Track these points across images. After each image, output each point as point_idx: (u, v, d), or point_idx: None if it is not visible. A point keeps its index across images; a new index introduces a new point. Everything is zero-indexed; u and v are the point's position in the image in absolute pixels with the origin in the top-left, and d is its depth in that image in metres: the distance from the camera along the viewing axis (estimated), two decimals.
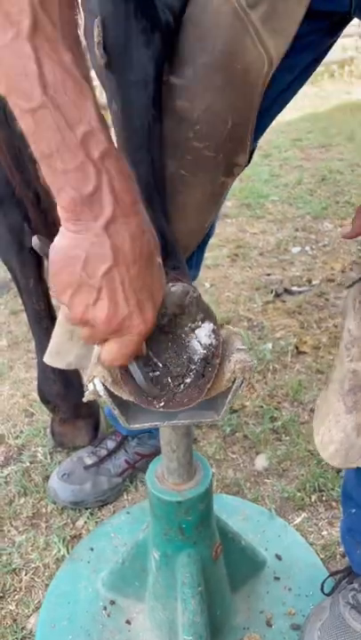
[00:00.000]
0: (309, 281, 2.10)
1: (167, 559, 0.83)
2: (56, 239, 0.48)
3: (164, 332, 0.67)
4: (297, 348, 1.69)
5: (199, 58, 0.70)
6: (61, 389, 1.20)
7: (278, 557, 1.06)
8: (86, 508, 1.19)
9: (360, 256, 2.28)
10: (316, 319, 1.84)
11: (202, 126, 0.74)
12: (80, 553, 1.09)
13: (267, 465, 1.27)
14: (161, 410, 0.62)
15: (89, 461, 1.24)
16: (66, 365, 1.00)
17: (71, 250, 0.47)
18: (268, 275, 2.17)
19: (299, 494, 1.19)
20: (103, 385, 0.63)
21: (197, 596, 0.81)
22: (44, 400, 1.25)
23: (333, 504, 1.17)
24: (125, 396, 0.63)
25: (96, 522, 1.16)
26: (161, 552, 0.83)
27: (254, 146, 0.84)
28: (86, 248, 0.47)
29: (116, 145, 0.64)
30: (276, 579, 1.02)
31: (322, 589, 0.95)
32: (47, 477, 1.26)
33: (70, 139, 0.42)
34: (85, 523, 1.16)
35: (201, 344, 0.66)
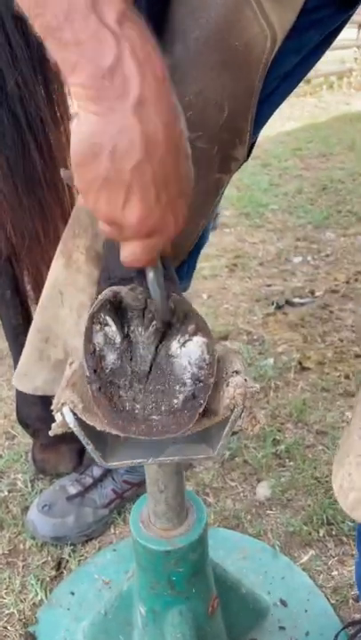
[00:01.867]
0: (312, 292, 1.99)
1: (155, 616, 0.71)
2: (73, 124, 0.40)
3: (148, 346, 0.56)
4: (300, 363, 1.58)
5: (191, 32, 0.60)
6: (42, 412, 1.09)
7: (283, 603, 0.93)
8: (68, 544, 1.06)
9: None
10: (321, 332, 1.73)
11: (194, 113, 0.63)
12: (59, 598, 0.97)
13: (269, 494, 1.15)
14: (142, 438, 0.51)
15: (73, 491, 1.12)
16: (32, 390, 0.89)
17: (95, 136, 0.38)
18: (269, 286, 2.06)
19: (305, 528, 1.07)
20: (73, 414, 0.52)
21: None
22: (24, 424, 1.14)
23: (344, 539, 1.05)
24: (99, 426, 0.52)
25: (79, 560, 1.04)
26: (148, 607, 0.71)
27: (254, 138, 0.74)
28: (113, 135, 0.38)
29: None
30: (282, 628, 0.90)
31: None
32: (26, 508, 1.13)
33: (78, 2, 0.36)
34: (67, 561, 1.04)
35: (192, 360, 0.55)
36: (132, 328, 0.57)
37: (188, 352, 0.55)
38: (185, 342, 0.56)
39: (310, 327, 1.77)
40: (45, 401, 1.08)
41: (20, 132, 0.92)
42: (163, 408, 0.53)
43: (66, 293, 0.80)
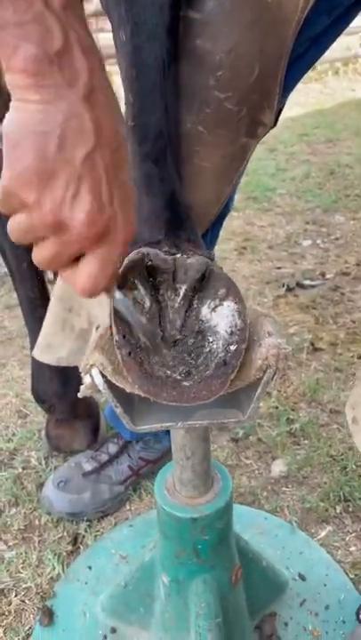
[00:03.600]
0: (323, 275, 1.97)
1: (179, 585, 0.70)
2: (9, 114, 0.36)
3: (178, 310, 0.55)
4: (313, 344, 1.56)
5: None
6: (58, 387, 1.08)
7: (302, 577, 0.93)
8: (84, 520, 1.06)
9: None
10: (332, 314, 1.72)
11: (225, 72, 0.61)
12: (77, 572, 0.96)
13: (285, 471, 1.15)
14: (173, 404, 0.50)
15: (88, 467, 1.11)
16: (56, 361, 0.87)
17: (38, 125, 0.35)
18: (279, 268, 2.04)
19: (322, 504, 1.07)
20: (102, 376, 0.51)
21: (215, 629, 0.69)
22: (39, 399, 1.13)
23: None
24: (129, 388, 0.51)
25: (95, 535, 1.04)
26: (171, 577, 0.70)
27: (282, 103, 0.72)
28: (60, 122, 0.35)
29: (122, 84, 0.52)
30: (301, 602, 0.89)
31: (357, 616, 0.82)
32: (41, 485, 1.13)
33: None
34: (83, 537, 1.03)
35: (223, 325, 0.53)
36: (161, 292, 0.56)
37: (218, 317, 0.54)
38: (216, 307, 0.55)
39: (322, 309, 1.76)
40: (62, 376, 1.08)
41: None
42: (194, 374, 0.52)
43: None
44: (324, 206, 2.61)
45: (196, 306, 0.55)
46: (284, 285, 1.89)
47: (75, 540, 1.03)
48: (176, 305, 0.54)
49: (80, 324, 0.84)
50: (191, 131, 0.64)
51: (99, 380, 0.51)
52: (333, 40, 0.71)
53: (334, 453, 1.19)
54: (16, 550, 1.01)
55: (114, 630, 0.86)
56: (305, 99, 5.23)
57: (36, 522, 1.07)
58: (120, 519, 1.08)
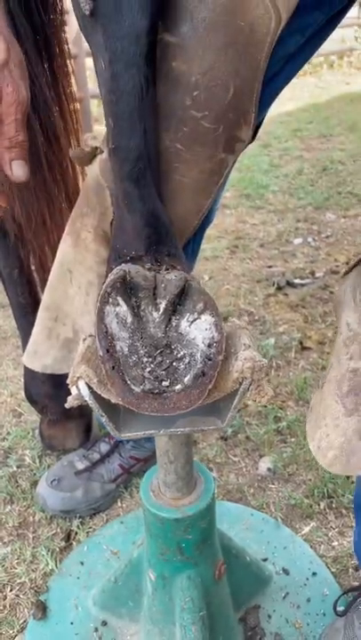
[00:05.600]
0: (313, 273, 2.01)
1: (165, 581, 0.74)
2: None
3: (159, 325, 0.58)
4: (301, 343, 1.60)
5: (198, 12, 0.61)
6: (50, 389, 1.11)
7: (286, 571, 0.97)
8: (77, 517, 1.10)
9: None
10: (321, 313, 1.75)
11: (201, 92, 0.64)
12: (69, 567, 1.00)
13: (272, 469, 1.19)
14: (154, 414, 0.53)
15: (80, 466, 1.15)
16: (41, 368, 0.90)
17: None
18: (270, 267, 2.07)
19: (307, 501, 1.11)
20: (88, 387, 0.54)
21: (199, 622, 0.73)
22: (32, 400, 1.16)
23: (344, 512, 1.09)
24: (113, 399, 0.54)
25: (87, 532, 1.07)
26: (157, 573, 0.74)
27: (260, 120, 0.75)
28: None
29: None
30: (284, 595, 0.93)
31: (334, 609, 0.86)
32: (35, 483, 1.17)
33: None
34: (76, 533, 1.07)
35: (201, 338, 0.56)
36: (142, 307, 0.58)
37: (197, 330, 0.57)
38: (194, 320, 0.58)
39: (311, 307, 1.79)
40: (53, 378, 1.10)
41: None
42: (174, 385, 0.55)
43: (74, 272, 0.81)
44: (315, 204, 2.64)
45: (175, 320, 0.58)
46: (274, 284, 1.92)
47: (68, 537, 1.07)
48: (157, 319, 0.57)
49: (65, 333, 0.87)
50: (170, 148, 0.67)
51: (85, 392, 0.54)
52: (309, 57, 0.74)
53: None
54: (11, 547, 1.05)
55: (105, 623, 0.90)
56: (300, 93, 5.24)
57: (31, 519, 1.11)
58: (112, 516, 1.11)
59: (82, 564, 1.01)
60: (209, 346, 0.56)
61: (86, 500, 1.11)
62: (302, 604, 0.92)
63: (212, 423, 0.59)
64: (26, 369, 1.14)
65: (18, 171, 0.67)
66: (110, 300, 0.55)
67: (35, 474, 1.20)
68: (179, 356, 0.56)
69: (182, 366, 0.56)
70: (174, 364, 0.56)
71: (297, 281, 1.95)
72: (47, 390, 1.11)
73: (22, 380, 1.36)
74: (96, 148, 0.72)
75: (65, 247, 0.81)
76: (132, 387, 0.53)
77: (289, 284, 1.93)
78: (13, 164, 0.66)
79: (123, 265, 0.58)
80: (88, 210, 0.76)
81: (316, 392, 0.71)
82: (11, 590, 0.98)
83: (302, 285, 1.93)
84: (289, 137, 3.85)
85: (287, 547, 1.02)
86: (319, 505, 1.10)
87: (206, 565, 0.74)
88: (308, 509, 1.09)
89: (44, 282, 1.01)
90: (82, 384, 0.54)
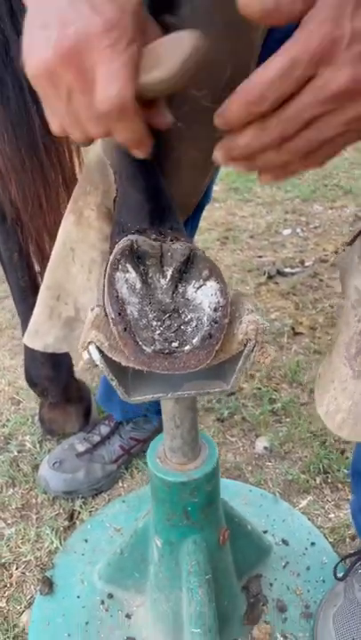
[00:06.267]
0: (302, 262, 2.04)
1: (171, 547, 0.76)
2: None
3: (166, 291, 0.60)
4: (293, 329, 1.63)
5: None
6: (50, 371, 1.13)
7: (285, 542, 1.00)
8: (80, 497, 1.12)
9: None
10: (311, 300, 1.79)
11: (200, 72, 0.67)
12: (74, 545, 1.02)
13: (268, 447, 1.22)
14: (165, 372, 0.55)
15: (81, 448, 1.17)
16: (43, 347, 0.92)
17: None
18: (260, 257, 2.11)
19: (303, 476, 1.14)
20: (99, 352, 0.57)
21: (205, 585, 0.75)
22: (32, 383, 1.18)
23: (339, 486, 1.12)
24: (124, 362, 0.56)
25: (90, 511, 1.09)
26: (164, 539, 0.76)
27: None
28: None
29: None
30: (284, 565, 0.96)
31: (334, 574, 0.89)
32: (36, 467, 1.18)
33: None
34: (79, 513, 1.09)
35: (207, 303, 0.59)
36: (150, 275, 0.61)
37: (203, 295, 0.60)
38: (200, 287, 0.60)
39: (301, 295, 1.82)
40: (53, 360, 1.13)
41: (23, 97, 0.94)
42: (183, 346, 0.58)
43: (77, 250, 0.83)
44: (303, 196, 2.68)
45: (182, 286, 0.60)
46: (265, 273, 1.95)
47: (71, 517, 1.09)
48: (164, 286, 0.59)
49: (66, 312, 0.88)
50: (170, 127, 0.70)
51: (96, 356, 0.57)
52: None
53: (314, 429, 1.26)
54: (15, 527, 1.07)
55: (110, 596, 0.92)
56: None
57: (33, 501, 1.13)
58: (113, 496, 1.14)
59: (86, 541, 1.03)
60: (215, 310, 0.58)
61: (88, 481, 1.13)
62: (302, 572, 0.95)
63: (218, 385, 0.62)
64: (26, 353, 1.16)
65: None
66: (120, 266, 0.57)
67: (35, 458, 1.22)
68: (186, 319, 0.59)
69: (190, 329, 0.58)
70: (182, 327, 0.59)
71: (287, 270, 1.98)
72: (47, 372, 1.13)
73: (19, 369, 1.38)
74: None
75: (67, 225, 0.83)
76: (144, 347, 0.55)
77: (279, 272, 1.97)
78: None
79: (129, 235, 0.61)
80: (91, 188, 0.78)
81: (325, 357, 0.73)
82: (17, 568, 0.99)
83: (292, 274, 1.96)
84: None
85: (286, 519, 1.05)
86: (315, 480, 1.13)
87: (211, 530, 0.77)
88: (305, 484, 1.12)
89: (41, 265, 1.03)
90: (93, 348, 0.56)
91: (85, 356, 0.58)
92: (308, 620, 0.87)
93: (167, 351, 0.56)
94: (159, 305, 0.59)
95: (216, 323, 0.57)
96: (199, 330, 0.58)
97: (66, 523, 1.07)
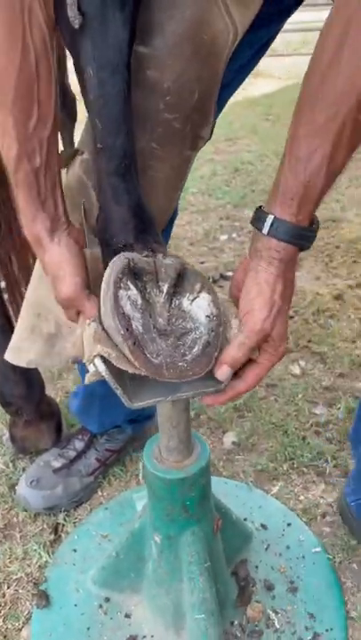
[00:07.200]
0: None
1: (170, 541, 0.81)
2: None
3: (164, 305, 0.65)
4: None
5: (168, 27, 0.69)
6: (24, 390, 1.14)
7: (264, 527, 1.08)
8: (62, 511, 1.14)
9: None
10: None
11: (172, 97, 0.73)
12: (63, 556, 1.04)
13: (236, 442, 1.29)
14: (175, 380, 0.61)
15: (57, 464, 1.18)
16: (26, 363, 0.94)
17: None
18: (202, 262, 2.19)
19: (271, 465, 1.22)
20: (105, 364, 0.61)
21: (205, 572, 0.81)
22: (6, 403, 1.18)
23: (305, 470, 1.21)
24: (132, 370, 0.61)
25: (74, 523, 1.12)
26: (163, 535, 0.81)
27: (214, 121, 0.85)
28: None
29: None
30: (266, 547, 1.04)
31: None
32: (13, 486, 1.19)
33: None
34: (63, 525, 1.11)
35: (203, 313, 0.65)
36: (147, 290, 0.66)
37: (197, 307, 0.66)
38: (194, 299, 0.66)
39: None
40: (27, 379, 1.14)
41: None
42: (185, 356, 0.63)
43: None
44: (233, 202, 2.81)
45: (177, 299, 0.66)
46: (209, 278, 2.04)
47: (55, 530, 1.10)
48: (162, 300, 0.65)
49: (48, 328, 0.91)
50: (146, 147, 0.75)
51: (102, 368, 0.61)
52: (253, 68, 0.85)
53: (275, 421, 1.35)
54: (0, 547, 1.07)
55: (107, 599, 0.95)
56: None
57: (15, 519, 1.13)
58: (94, 505, 1.16)
59: (75, 551, 1.05)
60: (210, 320, 0.64)
61: (67, 495, 1.15)
62: (283, 551, 1.03)
63: (212, 385, 0.68)
64: (0, 372, 1.16)
65: None
66: (122, 285, 0.62)
67: (11, 477, 1.22)
68: (185, 330, 0.65)
69: (189, 339, 0.64)
70: (182, 337, 0.64)
71: (229, 273, 2.08)
72: (20, 391, 1.14)
73: None
74: (77, 150, 0.78)
75: None
76: (152, 359, 0.60)
77: (222, 276, 2.06)
78: None
79: (124, 253, 0.66)
80: (72, 208, 0.81)
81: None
82: (8, 587, 1.00)
83: None
84: None
85: (261, 505, 1.12)
86: (283, 467, 1.22)
87: (207, 520, 0.82)
88: (274, 472, 1.21)
89: (11, 291, 1.04)
90: (98, 361, 0.61)
91: (92, 368, 0.62)
92: (295, 594, 0.95)
93: (172, 361, 0.61)
94: (159, 318, 0.65)
95: (213, 331, 0.64)
96: (198, 339, 0.64)
97: (51, 536, 1.09)
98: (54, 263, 0.67)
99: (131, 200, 0.70)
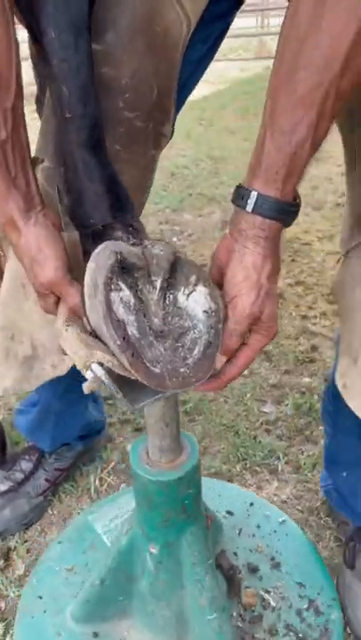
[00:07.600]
0: None
1: (169, 548, 0.77)
2: None
3: (158, 302, 0.59)
4: None
5: (119, 21, 0.66)
6: None
7: (230, 513, 1.05)
8: (12, 535, 1.08)
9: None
10: None
11: (131, 94, 0.70)
12: (30, 607, 0.93)
13: None
14: (179, 390, 0.57)
15: (3, 488, 1.13)
16: (2, 391, 0.87)
17: None
18: None
19: (225, 467, 1.22)
20: (104, 369, 0.56)
21: (210, 570, 0.78)
22: None
23: (258, 469, 1.22)
24: (132, 377, 0.55)
25: (27, 548, 1.07)
26: (161, 544, 0.77)
27: (174, 119, 0.81)
28: None
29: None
30: (238, 532, 1.02)
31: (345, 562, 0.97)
32: None
33: None
34: (15, 548, 1.06)
35: (200, 309, 0.59)
36: (140, 287, 0.59)
37: (194, 302, 0.59)
38: (190, 293, 0.60)
39: None
40: None
41: None
42: (186, 360, 0.58)
43: (28, 285, 0.77)
44: (172, 206, 2.81)
45: (170, 293, 0.60)
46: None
47: (7, 555, 1.05)
48: (155, 297, 0.59)
49: (23, 351, 0.85)
50: (110, 150, 0.70)
51: (100, 372, 0.55)
52: (208, 64, 0.84)
53: (225, 422, 1.34)
54: None
55: (96, 634, 0.86)
56: None
57: None
58: (45, 524, 1.12)
59: (40, 597, 0.94)
60: (208, 316, 0.59)
61: (15, 517, 1.10)
62: (255, 531, 1.02)
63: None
64: None
65: None
66: (113, 286, 0.56)
67: None
68: (182, 330, 0.59)
69: (188, 339, 0.59)
70: (180, 338, 0.59)
71: None
72: None
73: None
74: (37, 158, 0.74)
75: (13, 263, 0.79)
76: (152, 368, 0.55)
77: None
78: None
79: (108, 245, 0.58)
80: None
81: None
82: None
83: None
84: None
85: (221, 494, 1.10)
86: (236, 468, 1.22)
87: (201, 518, 0.80)
88: (228, 474, 1.20)
89: None
90: (95, 366, 0.55)
91: (90, 375, 0.56)
92: (279, 569, 0.95)
93: (173, 368, 0.57)
94: (154, 318, 0.59)
95: (212, 328, 0.59)
96: (198, 338, 0.59)
97: (1, 562, 1.03)
98: (32, 246, 0.62)
99: (104, 173, 0.64)
